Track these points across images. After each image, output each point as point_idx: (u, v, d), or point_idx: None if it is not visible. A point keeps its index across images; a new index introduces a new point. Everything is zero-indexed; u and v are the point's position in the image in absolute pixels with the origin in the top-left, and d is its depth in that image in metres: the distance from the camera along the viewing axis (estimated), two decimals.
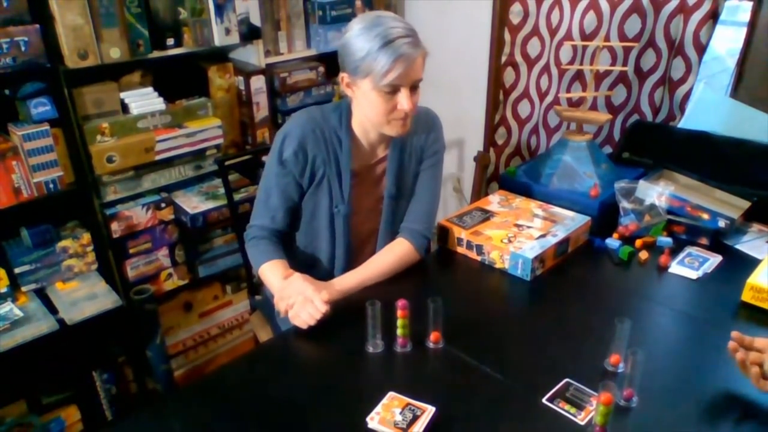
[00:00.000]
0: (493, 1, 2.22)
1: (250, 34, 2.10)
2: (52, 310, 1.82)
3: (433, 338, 1.20)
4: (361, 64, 1.26)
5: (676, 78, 1.87)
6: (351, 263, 1.47)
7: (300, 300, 1.25)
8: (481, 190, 2.40)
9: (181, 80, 2.09)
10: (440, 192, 1.55)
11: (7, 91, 1.74)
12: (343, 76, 1.34)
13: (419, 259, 1.49)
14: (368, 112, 1.35)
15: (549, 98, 2.19)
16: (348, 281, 1.39)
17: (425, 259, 1.63)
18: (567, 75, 2.08)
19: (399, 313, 1.17)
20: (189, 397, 1.18)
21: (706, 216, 1.57)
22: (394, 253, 1.46)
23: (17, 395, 1.92)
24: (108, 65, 1.81)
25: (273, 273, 1.38)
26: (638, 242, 1.54)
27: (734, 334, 1.05)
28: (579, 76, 2.05)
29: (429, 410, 1.03)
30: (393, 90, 1.28)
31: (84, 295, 1.89)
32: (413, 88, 1.30)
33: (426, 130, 1.49)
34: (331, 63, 2.35)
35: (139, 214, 1.99)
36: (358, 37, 1.26)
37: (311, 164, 1.40)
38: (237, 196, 1.99)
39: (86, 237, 1.92)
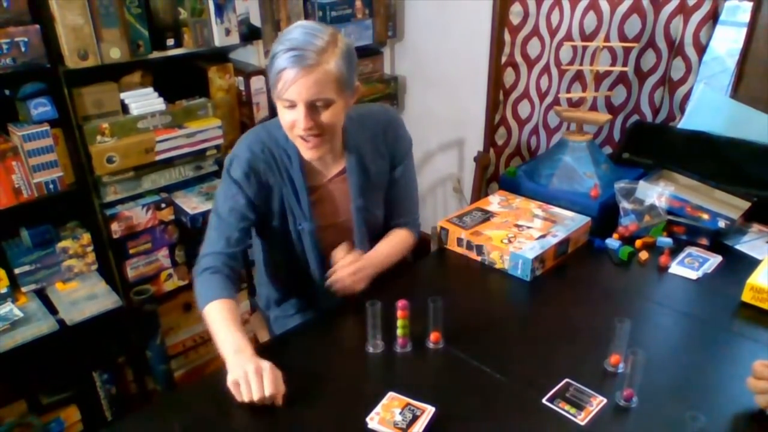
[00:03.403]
0: (493, 1, 2.23)
1: (250, 34, 2.10)
2: (52, 310, 1.82)
3: (433, 338, 1.20)
4: (269, 74, 1.22)
5: (676, 78, 1.87)
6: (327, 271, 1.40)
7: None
8: (481, 190, 2.40)
9: (181, 81, 2.09)
10: (416, 178, 1.53)
11: (7, 92, 1.74)
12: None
13: (415, 243, 1.52)
14: (283, 128, 1.28)
15: (549, 98, 2.19)
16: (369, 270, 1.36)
17: (425, 259, 1.63)
18: (567, 75, 2.08)
19: (399, 313, 1.17)
20: (189, 397, 1.18)
21: (706, 216, 1.57)
22: (398, 241, 1.47)
23: (17, 395, 1.92)
24: (108, 65, 1.81)
25: (220, 320, 1.19)
26: (638, 242, 1.54)
27: (757, 367, 1.01)
28: (579, 76, 2.05)
29: (429, 410, 1.03)
30: (290, 105, 1.20)
31: (84, 296, 1.89)
32: (315, 106, 1.20)
33: (386, 133, 1.42)
34: None
35: (139, 215, 1.99)
36: (274, 44, 1.20)
37: (264, 185, 1.34)
38: None
39: (86, 237, 1.92)
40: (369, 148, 1.40)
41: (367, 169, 1.40)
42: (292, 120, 1.22)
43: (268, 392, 1.03)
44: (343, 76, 1.20)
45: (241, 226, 1.33)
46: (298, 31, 1.18)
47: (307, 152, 1.28)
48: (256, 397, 1.03)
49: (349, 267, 1.31)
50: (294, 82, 1.16)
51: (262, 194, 1.35)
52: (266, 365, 1.07)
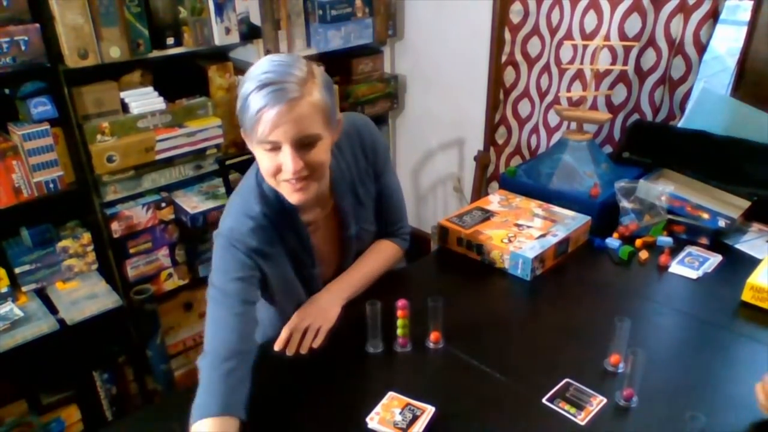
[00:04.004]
0: (493, 1, 2.22)
1: (250, 33, 2.10)
2: (53, 309, 1.83)
3: (433, 338, 1.20)
4: (240, 115, 1.07)
5: (676, 77, 1.87)
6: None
7: None
8: (481, 189, 2.40)
9: (181, 80, 2.09)
10: (399, 181, 1.43)
11: (7, 91, 1.74)
12: (243, 132, 1.12)
13: (403, 254, 1.48)
14: (264, 176, 1.14)
15: (549, 98, 2.19)
16: (344, 292, 1.32)
17: (425, 259, 1.63)
18: (567, 74, 2.08)
19: (399, 313, 1.17)
20: (189, 397, 1.17)
21: (706, 216, 1.57)
22: (382, 256, 1.41)
23: (17, 395, 1.93)
24: (108, 65, 1.81)
25: None
26: (638, 242, 1.54)
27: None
28: (579, 75, 2.05)
29: (429, 410, 1.03)
30: (273, 147, 1.06)
31: (84, 295, 1.89)
32: (303, 145, 1.06)
33: (363, 148, 1.31)
34: (331, 63, 2.34)
35: (140, 214, 1.99)
36: (242, 84, 1.06)
37: (273, 249, 1.22)
38: None
39: (86, 237, 1.93)
40: (353, 171, 1.30)
41: (357, 191, 1.32)
42: (276, 164, 1.07)
43: None
44: (328, 108, 1.08)
45: (256, 298, 1.19)
46: (268, 64, 1.05)
47: (294, 196, 1.12)
48: None
49: (295, 339, 1.22)
50: (278, 123, 1.02)
51: (271, 261, 1.22)
52: None
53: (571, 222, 1.55)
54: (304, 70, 1.06)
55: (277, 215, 1.21)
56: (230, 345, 1.06)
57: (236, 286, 1.13)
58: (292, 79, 1.03)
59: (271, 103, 1.01)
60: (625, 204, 1.59)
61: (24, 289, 1.86)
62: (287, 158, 1.06)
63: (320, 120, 1.07)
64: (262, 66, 1.05)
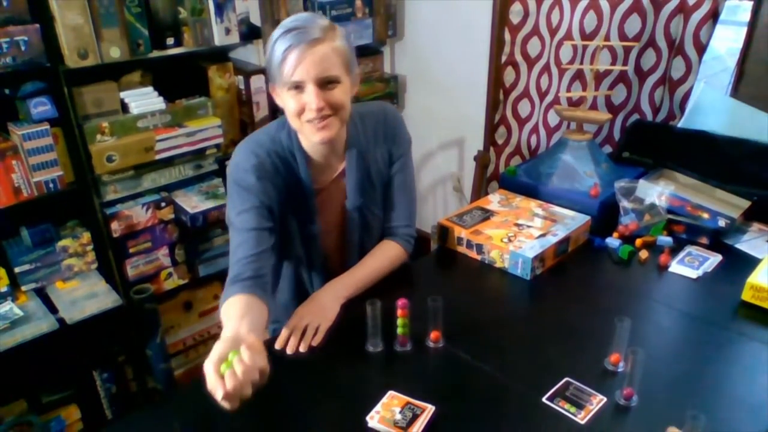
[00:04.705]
0: (493, 1, 2.23)
1: (250, 33, 2.11)
2: (52, 309, 1.83)
3: (433, 337, 1.21)
4: (268, 66, 1.20)
5: (676, 77, 1.87)
6: (329, 276, 1.39)
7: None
8: (481, 189, 2.40)
9: (181, 80, 2.09)
10: (414, 183, 1.48)
11: (7, 91, 1.74)
12: (271, 87, 1.25)
13: (407, 258, 1.48)
14: (289, 119, 1.24)
15: (549, 98, 2.19)
16: (344, 290, 1.33)
17: (425, 258, 1.63)
18: (567, 74, 2.08)
19: (399, 312, 1.17)
20: (189, 396, 1.18)
21: (706, 215, 1.57)
22: (386, 257, 1.42)
23: (17, 394, 1.93)
24: (108, 65, 1.81)
25: (230, 315, 1.08)
26: (638, 241, 1.54)
27: None
28: (579, 75, 2.05)
29: (429, 409, 1.03)
30: (298, 87, 1.17)
31: (84, 295, 1.89)
32: (324, 84, 1.18)
33: (385, 130, 1.39)
34: None
35: (139, 214, 1.99)
36: (270, 39, 1.19)
37: (274, 188, 1.29)
38: None
39: (86, 236, 1.93)
40: (370, 147, 1.37)
41: (368, 167, 1.37)
42: (301, 104, 1.18)
43: (229, 386, 0.90)
44: (348, 55, 1.21)
45: (264, 226, 1.24)
46: (294, 17, 1.18)
47: (319, 134, 1.21)
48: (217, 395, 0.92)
49: (295, 337, 1.22)
50: (302, 60, 1.14)
51: (273, 198, 1.28)
52: (242, 354, 0.93)
53: (571, 222, 1.55)
54: (327, 22, 1.19)
55: (284, 161, 1.30)
56: (245, 265, 1.18)
57: (243, 217, 1.24)
58: (316, 25, 1.16)
59: (296, 44, 1.13)
60: (625, 204, 1.59)
61: (24, 288, 1.86)
62: (311, 96, 1.16)
63: (340, 64, 1.19)
64: (288, 19, 1.18)
